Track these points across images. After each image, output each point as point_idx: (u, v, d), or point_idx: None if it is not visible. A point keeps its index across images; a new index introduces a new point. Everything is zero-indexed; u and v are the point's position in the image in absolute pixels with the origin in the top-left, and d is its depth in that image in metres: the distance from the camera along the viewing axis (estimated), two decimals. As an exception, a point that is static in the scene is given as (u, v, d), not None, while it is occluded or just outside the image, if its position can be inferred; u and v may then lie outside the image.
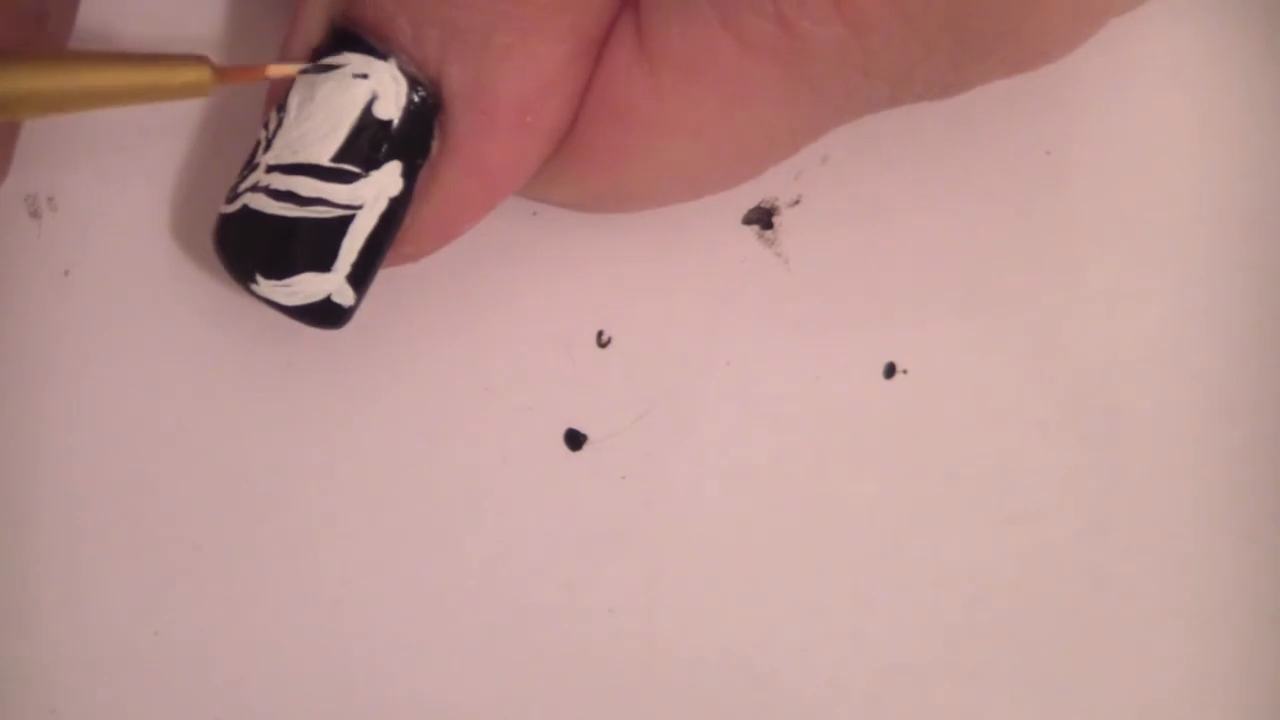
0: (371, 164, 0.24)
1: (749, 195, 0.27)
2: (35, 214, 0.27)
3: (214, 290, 0.26)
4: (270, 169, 0.24)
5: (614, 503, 0.27)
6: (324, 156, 0.24)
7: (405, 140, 0.24)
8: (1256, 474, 0.27)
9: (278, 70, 0.24)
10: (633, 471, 0.27)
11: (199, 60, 0.23)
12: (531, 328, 0.27)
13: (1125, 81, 0.28)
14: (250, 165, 0.24)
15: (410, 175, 0.24)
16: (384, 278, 0.26)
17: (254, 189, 0.24)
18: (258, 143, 0.24)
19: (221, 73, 0.23)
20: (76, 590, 0.26)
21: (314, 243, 0.24)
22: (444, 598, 0.26)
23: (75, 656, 0.26)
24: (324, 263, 0.24)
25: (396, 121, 0.24)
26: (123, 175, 0.27)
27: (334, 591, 0.26)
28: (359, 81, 0.23)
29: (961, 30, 0.24)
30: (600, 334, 0.27)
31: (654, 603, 0.26)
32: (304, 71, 0.24)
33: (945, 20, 0.24)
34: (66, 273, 0.27)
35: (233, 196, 0.24)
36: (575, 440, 0.27)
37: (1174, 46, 0.28)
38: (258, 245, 0.24)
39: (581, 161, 0.25)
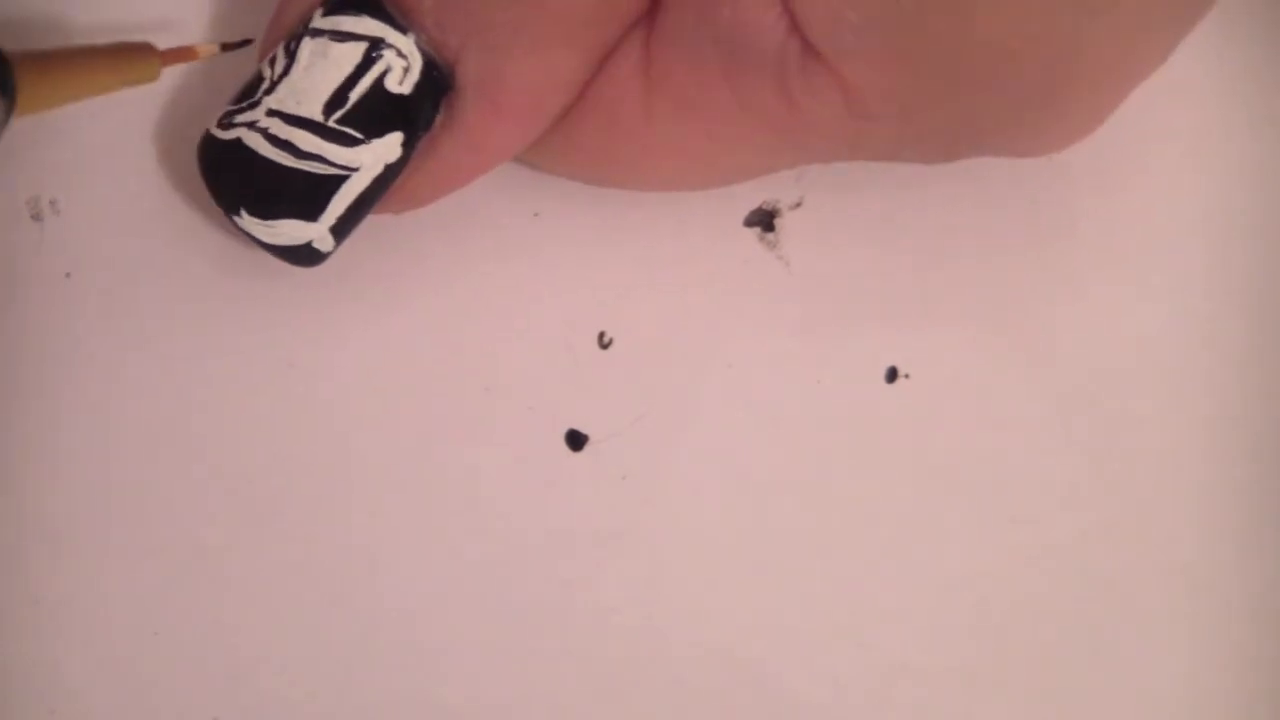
0: (374, 132, 0.24)
1: (751, 197, 0.28)
2: (37, 217, 0.27)
3: (215, 291, 0.26)
4: (272, 113, 0.24)
5: (614, 503, 0.27)
6: (329, 116, 0.24)
7: (411, 114, 0.24)
8: (1256, 477, 0.27)
9: (206, 50, 0.24)
10: (633, 471, 0.27)
11: (145, 47, 0.23)
12: (532, 328, 0.27)
13: (1125, 83, 0.28)
14: (250, 100, 0.24)
15: (410, 145, 0.24)
16: (385, 277, 0.27)
17: (251, 126, 0.24)
18: (258, 77, 0.24)
19: (164, 55, 0.24)
20: (77, 590, 0.26)
21: (305, 194, 0.24)
22: (444, 597, 0.26)
23: (75, 656, 0.26)
24: (311, 213, 0.24)
25: (406, 95, 0.24)
26: (124, 178, 0.27)
27: (334, 591, 0.26)
28: (375, 50, 0.23)
29: (958, 129, 0.24)
30: (601, 335, 0.27)
31: (654, 603, 0.26)
32: (315, 35, 0.24)
33: (945, 122, 0.24)
34: (68, 275, 0.27)
35: (228, 124, 0.24)
36: (576, 440, 0.27)
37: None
38: (248, 182, 0.24)
39: (568, 147, 0.25)
